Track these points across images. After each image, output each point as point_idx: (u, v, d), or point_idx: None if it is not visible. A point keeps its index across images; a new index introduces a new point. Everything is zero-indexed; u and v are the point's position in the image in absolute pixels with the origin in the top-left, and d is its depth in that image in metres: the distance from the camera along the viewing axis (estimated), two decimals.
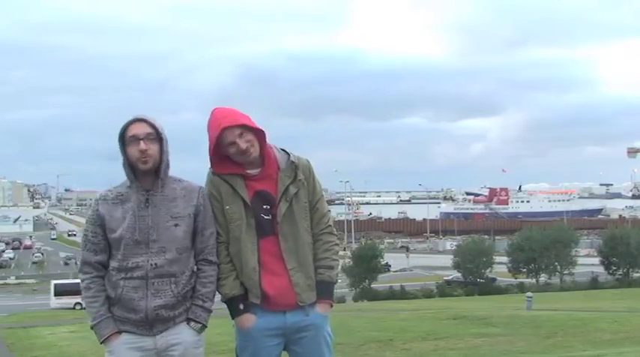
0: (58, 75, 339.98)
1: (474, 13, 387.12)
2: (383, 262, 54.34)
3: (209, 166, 3.07)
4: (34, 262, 78.40)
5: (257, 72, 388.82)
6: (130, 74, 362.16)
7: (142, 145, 2.89)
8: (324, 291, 3.04)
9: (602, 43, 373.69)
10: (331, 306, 3.09)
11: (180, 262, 2.98)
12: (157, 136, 2.94)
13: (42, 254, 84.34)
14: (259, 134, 3.00)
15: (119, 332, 2.96)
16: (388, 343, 9.80)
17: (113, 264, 2.98)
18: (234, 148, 2.97)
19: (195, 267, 3.07)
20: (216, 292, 3.11)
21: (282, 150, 3.10)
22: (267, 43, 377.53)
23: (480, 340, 10.11)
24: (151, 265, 2.92)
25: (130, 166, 2.95)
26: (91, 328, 3.00)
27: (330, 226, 3.09)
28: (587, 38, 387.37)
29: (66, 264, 78.76)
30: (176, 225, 2.97)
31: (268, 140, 3.06)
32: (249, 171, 3.02)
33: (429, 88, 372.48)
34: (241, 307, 3.00)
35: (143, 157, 2.90)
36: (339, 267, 3.08)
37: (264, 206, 3.01)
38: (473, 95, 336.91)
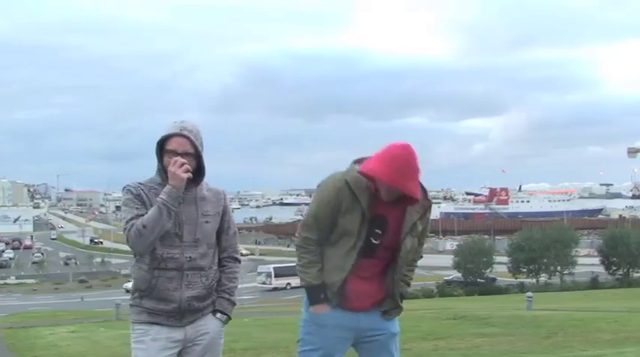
0: (59, 75, 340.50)
1: (477, 13, 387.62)
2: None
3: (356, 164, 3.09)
4: (34, 262, 78.49)
5: (260, 72, 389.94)
6: (132, 74, 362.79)
7: (173, 160, 3.02)
8: (398, 302, 3.24)
9: (605, 44, 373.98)
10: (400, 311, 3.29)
11: (209, 257, 3.14)
12: (196, 154, 3.05)
13: (42, 254, 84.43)
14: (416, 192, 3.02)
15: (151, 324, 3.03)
16: None
17: (145, 259, 3.02)
18: (386, 195, 3.00)
19: (220, 263, 3.23)
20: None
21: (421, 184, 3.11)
22: (270, 42, 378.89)
23: (480, 340, 10.11)
24: (186, 257, 3.05)
25: (165, 171, 3.05)
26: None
27: (421, 256, 3.35)
28: (590, 38, 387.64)
29: (66, 264, 78.89)
30: (207, 222, 3.12)
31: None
32: (384, 194, 3.04)
33: (431, 88, 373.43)
34: (322, 296, 3.09)
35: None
36: (407, 291, 3.30)
37: (377, 230, 3.07)
38: (475, 95, 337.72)
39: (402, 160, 2.92)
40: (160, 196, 2.95)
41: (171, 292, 3.02)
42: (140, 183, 3.09)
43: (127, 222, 2.98)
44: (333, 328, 3.13)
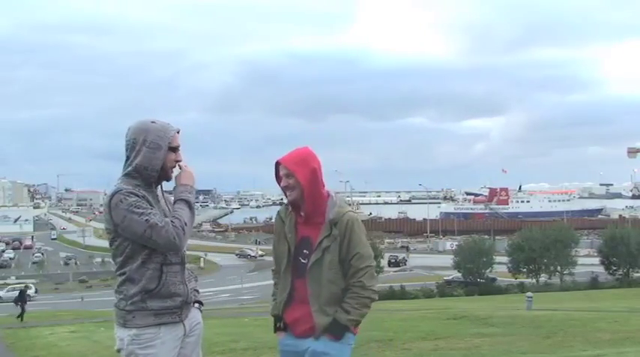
0: (60, 74, 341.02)
1: (479, 13, 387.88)
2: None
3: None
4: (34, 262, 78.43)
5: (261, 71, 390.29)
6: (133, 74, 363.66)
7: (180, 156, 3.14)
8: (332, 328, 3.24)
9: (606, 44, 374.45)
10: (335, 339, 3.28)
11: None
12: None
13: (42, 254, 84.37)
14: (307, 183, 3.24)
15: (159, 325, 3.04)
16: (388, 343, 9.80)
17: (156, 258, 3.01)
18: (283, 181, 3.29)
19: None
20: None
21: (337, 202, 3.33)
22: (271, 42, 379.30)
23: (480, 340, 10.11)
24: (184, 251, 3.14)
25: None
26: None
27: (361, 281, 3.24)
28: (591, 38, 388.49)
29: (66, 264, 78.81)
30: None
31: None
32: (301, 213, 3.32)
33: (432, 87, 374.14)
34: (278, 325, 3.40)
35: (174, 167, 3.14)
36: (360, 317, 3.27)
37: (304, 251, 3.31)
38: (476, 95, 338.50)
39: (299, 148, 3.34)
40: (188, 195, 3.10)
41: (178, 285, 3.07)
42: (125, 185, 3.05)
43: (155, 223, 2.93)
44: (284, 354, 3.39)
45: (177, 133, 3.13)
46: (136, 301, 3.00)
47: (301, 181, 3.23)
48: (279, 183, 3.33)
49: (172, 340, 3.04)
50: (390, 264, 68.93)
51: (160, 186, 3.18)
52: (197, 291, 3.28)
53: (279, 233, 3.41)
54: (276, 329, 3.43)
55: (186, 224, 3.00)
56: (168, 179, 3.14)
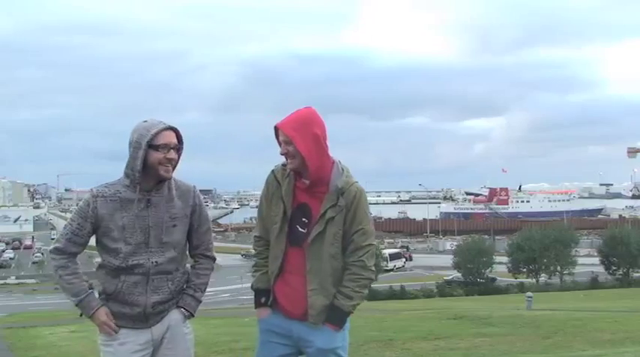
0: (61, 75, 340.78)
1: (479, 13, 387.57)
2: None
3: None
4: (34, 262, 78.36)
5: (262, 72, 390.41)
6: (134, 74, 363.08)
7: (173, 154, 3.01)
8: (334, 317, 3.05)
9: (606, 44, 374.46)
10: (339, 329, 3.08)
11: (177, 260, 3.09)
12: (180, 148, 3.06)
13: (42, 254, 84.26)
14: (308, 152, 2.97)
15: (105, 308, 3.02)
16: (388, 343, 9.79)
17: (114, 261, 3.00)
18: (283, 148, 3.04)
19: (192, 261, 3.20)
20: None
21: (344, 170, 3.08)
22: (272, 43, 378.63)
23: (480, 340, 10.10)
24: (152, 262, 3.00)
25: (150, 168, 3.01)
26: (76, 304, 3.02)
27: (362, 260, 3.02)
28: (591, 39, 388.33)
29: None
30: (174, 225, 3.06)
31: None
32: (304, 180, 3.05)
33: (433, 87, 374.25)
34: (263, 300, 3.12)
35: (167, 165, 2.99)
36: (361, 300, 3.08)
37: (303, 219, 3.05)
38: (477, 95, 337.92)
39: (300, 110, 3.04)
40: (85, 301, 2.99)
41: (137, 296, 3.00)
42: (105, 187, 3.04)
43: (55, 250, 3.04)
44: (268, 334, 3.13)
45: (175, 131, 3.02)
46: (102, 299, 3.06)
47: (300, 150, 2.95)
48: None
49: (133, 344, 3.01)
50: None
51: (167, 187, 3.06)
52: (194, 296, 3.14)
53: (273, 194, 3.10)
54: (261, 304, 3.14)
55: (59, 277, 2.99)
56: (161, 178, 3.02)
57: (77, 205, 3.08)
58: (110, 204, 2.99)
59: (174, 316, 3.10)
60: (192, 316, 3.16)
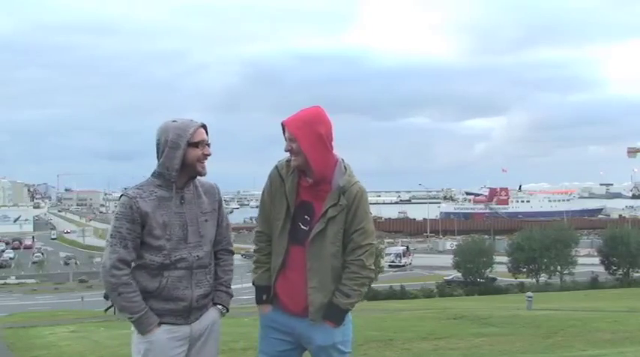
0: (61, 75, 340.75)
1: (480, 13, 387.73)
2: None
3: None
4: (34, 262, 78.34)
5: (263, 71, 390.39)
6: (135, 74, 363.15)
7: (209, 150, 3.10)
8: (332, 314, 3.08)
9: (607, 44, 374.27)
10: (337, 326, 3.11)
11: (210, 254, 3.19)
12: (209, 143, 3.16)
13: (42, 254, 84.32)
14: (311, 151, 3.00)
15: (159, 324, 3.05)
16: (388, 343, 9.79)
17: (156, 259, 3.04)
18: (287, 145, 3.08)
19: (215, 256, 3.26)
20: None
21: (346, 169, 3.10)
22: (273, 42, 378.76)
23: (480, 340, 10.10)
24: (195, 257, 3.09)
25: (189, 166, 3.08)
26: (134, 321, 3.02)
27: (361, 259, 3.05)
28: (592, 38, 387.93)
29: (66, 264, 78.76)
30: (206, 220, 3.16)
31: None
32: (307, 178, 3.09)
33: (434, 87, 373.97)
34: (264, 297, 3.18)
35: (203, 162, 3.10)
36: (359, 298, 3.12)
37: (305, 217, 3.09)
38: (478, 95, 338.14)
39: (307, 109, 3.09)
40: (143, 317, 2.98)
41: (182, 291, 3.06)
42: (140, 189, 3.08)
43: (115, 262, 2.96)
44: (269, 329, 3.18)
45: (204, 128, 3.11)
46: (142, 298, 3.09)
47: (303, 149, 3.00)
48: None
49: (173, 339, 3.05)
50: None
51: (193, 183, 3.14)
52: (227, 292, 3.22)
53: (277, 191, 3.13)
54: (262, 301, 3.20)
55: (116, 292, 2.95)
56: (198, 174, 3.13)
57: (114, 213, 3.06)
58: (149, 203, 3.04)
59: (213, 314, 3.18)
60: (228, 311, 3.25)
